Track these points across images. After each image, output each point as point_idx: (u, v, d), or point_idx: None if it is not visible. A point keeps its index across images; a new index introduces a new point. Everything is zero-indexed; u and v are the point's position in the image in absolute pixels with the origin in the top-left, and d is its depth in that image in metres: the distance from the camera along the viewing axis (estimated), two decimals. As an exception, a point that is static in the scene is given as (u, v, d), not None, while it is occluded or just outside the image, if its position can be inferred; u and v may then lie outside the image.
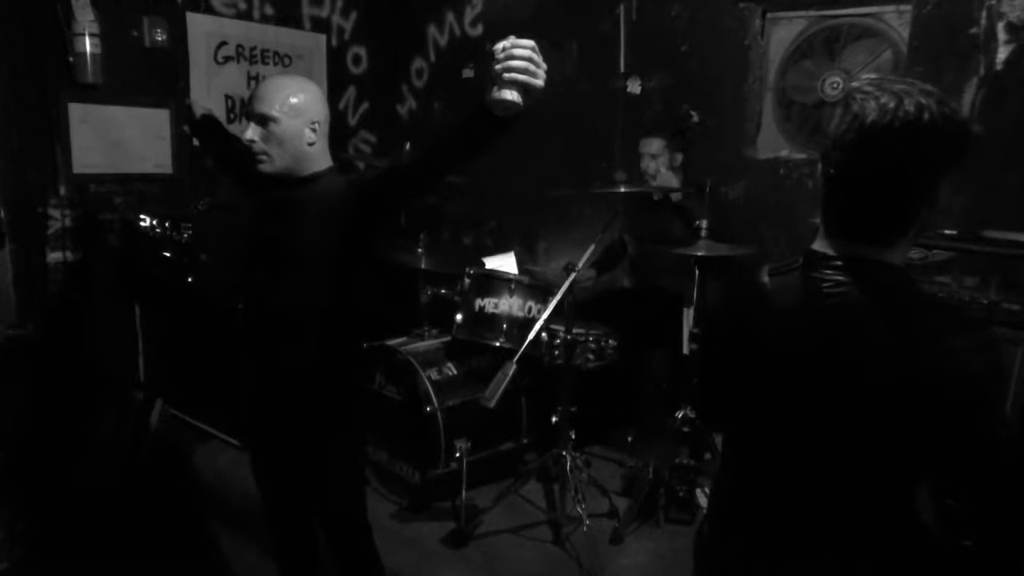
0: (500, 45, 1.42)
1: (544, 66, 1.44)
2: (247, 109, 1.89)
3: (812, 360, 1.17)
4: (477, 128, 1.57)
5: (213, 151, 2.62)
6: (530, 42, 1.42)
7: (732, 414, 1.40)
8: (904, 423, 1.10)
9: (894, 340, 1.09)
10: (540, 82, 1.44)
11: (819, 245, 1.20)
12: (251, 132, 1.86)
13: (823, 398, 1.16)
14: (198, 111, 2.58)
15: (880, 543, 1.20)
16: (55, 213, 3.40)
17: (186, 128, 2.65)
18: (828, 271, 1.16)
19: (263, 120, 1.84)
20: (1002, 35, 2.80)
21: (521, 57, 1.41)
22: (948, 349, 1.07)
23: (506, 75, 1.41)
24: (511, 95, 1.43)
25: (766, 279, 1.26)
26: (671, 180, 3.39)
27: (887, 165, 1.07)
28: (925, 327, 1.09)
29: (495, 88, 1.44)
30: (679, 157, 3.38)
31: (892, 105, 1.05)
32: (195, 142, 2.71)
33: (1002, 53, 2.81)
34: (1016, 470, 1.09)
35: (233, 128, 3.90)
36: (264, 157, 1.87)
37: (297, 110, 1.86)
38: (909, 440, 1.12)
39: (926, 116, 1.04)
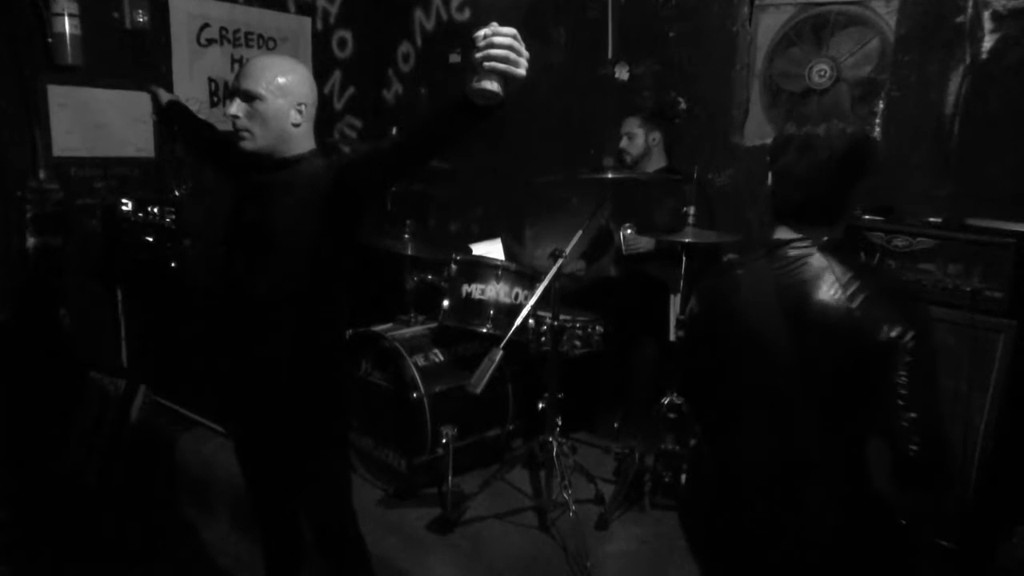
0: (481, 32, 1.38)
1: (526, 55, 1.39)
2: (233, 84, 1.86)
3: (785, 323, 1.44)
4: (457, 117, 1.53)
5: (184, 137, 2.57)
6: (511, 30, 1.37)
7: (714, 389, 1.60)
8: (859, 355, 1.37)
9: (845, 293, 1.39)
10: (522, 71, 1.39)
11: (778, 233, 1.53)
12: (235, 108, 1.83)
13: (795, 353, 1.43)
14: (163, 98, 2.53)
15: (839, 490, 1.43)
16: (34, 197, 3.34)
17: (152, 116, 2.57)
18: (790, 250, 1.49)
19: (248, 97, 1.82)
20: (988, 24, 2.81)
21: (502, 45, 1.36)
22: (890, 300, 1.38)
23: (486, 64, 1.37)
24: (491, 85, 1.39)
25: (738, 270, 1.57)
26: (658, 160, 3.41)
27: (822, 165, 1.44)
28: (874, 284, 1.40)
29: (475, 77, 1.40)
30: (657, 136, 3.40)
31: (820, 130, 1.45)
32: (163, 130, 2.63)
33: (988, 42, 2.82)
34: (939, 393, 1.39)
35: (217, 112, 3.88)
36: (246, 134, 1.84)
37: (284, 90, 1.83)
38: (863, 371, 1.37)
39: (847, 131, 1.45)
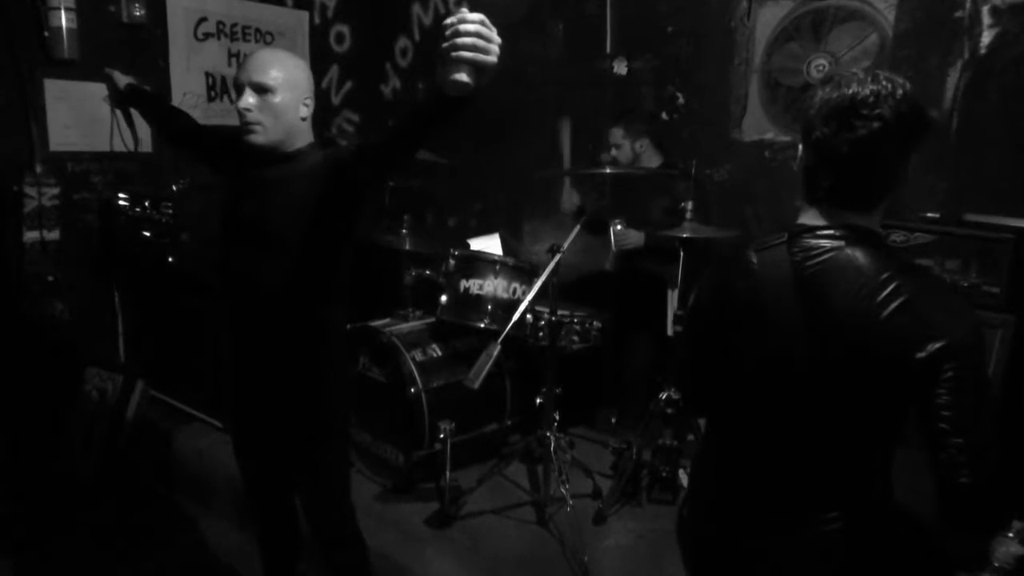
0: (448, 21, 1.30)
1: (497, 40, 1.31)
2: (243, 77, 1.83)
3: (802, 322, 1.24)
4: (432, 109, 1.50)
5: (151, 122, 2.51)
6: (479, 16, 1.30)
7: (720, 390, 1.42)
8: (890, 371, 1.18)
9: (876, 298, 1.17)
10: (492, 59, 1.31)
11: (804, 218, 1.31)
12: (247, 101, 1.81)
13: (813, 359, 1.23)
14: (120, 81, 2.46)
15: (857, 508, 1.26)
16: (31, 191, 3.32)
17: (104, 99, 2.49)
18: (815, 239, 1.26)
19: (260, 89, 1.80)
20: (986, 19, 2.81)
21: (468, 33, 1.29)
22: (933, 305, 1.17)
23: (453, 54, 1.30)
24: (461, 76, 1.31)
25: (753, 256, 1.33)
26: (652, 160, 3.41)
27: (870, 128, 1.19)
28: (915, 285, 1.18)
29: (445, 69, 1.32)
30: (644, 143, 3.37)
31: (871, 79, 1.22)
32: (118, 115, 2.54)
33: (986, 37, 2.82)
34: (991, 414, 1.16)
35: (215, 107, 3.87)
36: (258, 128, 1.83)
37: (293, 84, 1.83)
38: (893, 389, 1.19)
39: (899, 92, 1.20)
